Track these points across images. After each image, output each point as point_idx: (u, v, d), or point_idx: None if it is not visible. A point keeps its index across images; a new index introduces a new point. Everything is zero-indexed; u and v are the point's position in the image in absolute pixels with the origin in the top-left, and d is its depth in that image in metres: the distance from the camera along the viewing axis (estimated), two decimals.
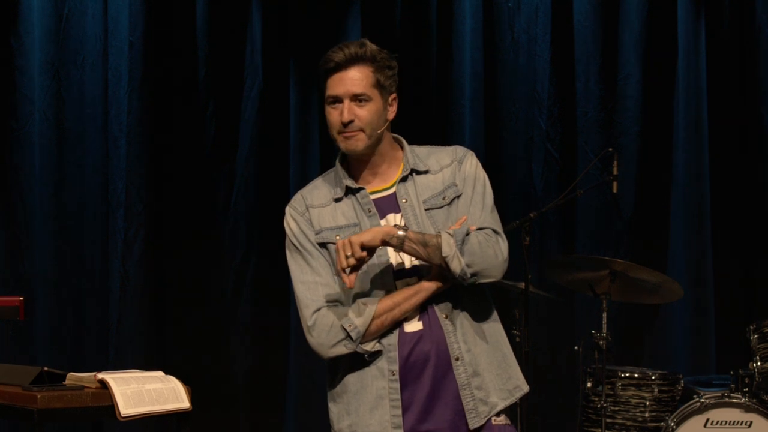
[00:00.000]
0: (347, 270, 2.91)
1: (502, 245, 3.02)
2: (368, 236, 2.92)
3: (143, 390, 3.10)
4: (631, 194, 5.92)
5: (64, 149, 5.35)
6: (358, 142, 3.01)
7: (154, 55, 5.44)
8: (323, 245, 3.04)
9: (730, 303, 5.95)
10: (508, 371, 3.06)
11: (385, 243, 2.93)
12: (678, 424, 4.86)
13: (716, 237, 5.97)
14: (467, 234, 2.96)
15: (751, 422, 4.83)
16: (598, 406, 4.93)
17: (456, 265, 2.92)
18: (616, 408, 5.00)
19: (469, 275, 2.94)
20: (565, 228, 5.90)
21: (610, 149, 5.10)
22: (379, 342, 2.98)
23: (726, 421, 4.85)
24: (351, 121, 2.99)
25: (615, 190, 5.14)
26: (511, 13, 5.90)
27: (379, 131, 3.03)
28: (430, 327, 2.99)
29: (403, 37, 5.75)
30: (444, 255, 2.92)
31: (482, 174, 3.11)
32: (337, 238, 3.02)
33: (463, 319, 3.01)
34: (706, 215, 5.97)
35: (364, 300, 2.98)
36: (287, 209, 3.12)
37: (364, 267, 2.98)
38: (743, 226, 6.01)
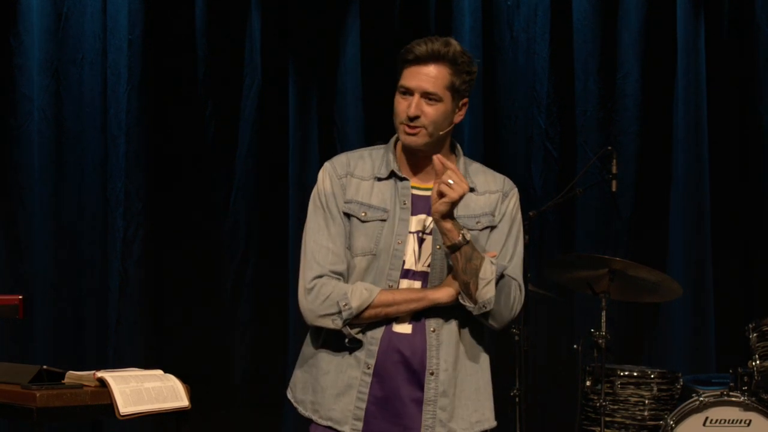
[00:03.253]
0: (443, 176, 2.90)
1: (521, 302, 3.03)
2: (445, 225, 2.90)
3: (142, 388, 3.11)
4: (630, 193, 5.92)
5: (64, 148, 5.35)
6: (419, 139, 2.99)
7: (153, 54, 5.44)
8: (347, 215, 3.01)
9: (729, 302, 5.95)
10: (477, 403, 3.05)
11: (446, 229, 2.91)
12: (677, 422, 4.86)
13: (715, 236, 5.97)
14: (503, 274, 2.97)
15: (750, 421, 4.83)
16: (597, 404, 4.93)
17: (486, 291, 2.92)
18: (615, 407, 5.00)
19: (486, 308, 2.94)
20: (564, 227, 5.90)
21: (609, 148, 5.10)
22: (363, 333, 2.98)
23: (725, 420, 4.85)
24: (417, 117, 2.96)
25: (614, 189, 5.14)
26: (510, 12, 5.90)
27: (442, 132, 3.00)
28: (417, 335, 2.99)
29: (402, 36, 5.73)
30: (481, 277, 2.91)
31: (520, 217, 3.11)
32: (363, 215, 3.00)
33: (450, 338, 3.00)
34: (705, 214, 5.97)
35: (367, 285, 2.97)
36: (327, 164, 3.08)
37: (377, 252, 2.98)
38: (743, 225, 6.01)
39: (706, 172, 5.99)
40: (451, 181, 2.88)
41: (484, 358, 3.08)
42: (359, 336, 2.97)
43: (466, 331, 3.03)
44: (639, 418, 4.99)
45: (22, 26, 5.30)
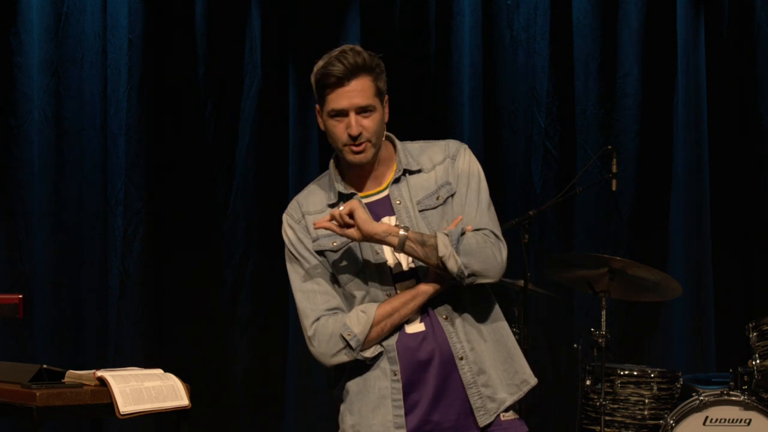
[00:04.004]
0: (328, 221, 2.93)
1: (501, 247, 3.00)
2: (380, 229, 2.92)
3: (142, 388, 3.11)
4: (630, 192, 5.92)
5: (63, 147, 5.35)
6: (367, 154, 2.99)
7: (153, 53, 5.44)
8: (320, 252, 3.04)
9: (729, 301, 5.95)
10: (514, 366, 3.06)
11: (383, 234, 2.92)
12: (677, 421, 4.87)
13: (715, 235, 5.97)
14: (462, 234, 2.94)
15: (750, 420, 4.83)
16: (597, 404, 4.93)
17: (453, 265, 2.91)
18: (615, 406, 5.00)
19: (466, 275, 2.93)
20: (564, 226, 5.90)
21: (609, 147, 5.10)
22: (379, 344, 2.98)
23: (725, 419, 4.85)
24: (360, 134, 2.97)
25: (614, 188, 5.15)
26: (510, 12, 5.90)
27: (383, 138, 3.03)
28: (432, 328, 2.99)
29: (402, 36, 5.75)
30: (440, 255, 2.90)
31: (476, 168, 3.07)
32: (334, 244, 3.02)
33: (464, 318, 3.00)
34: (705, 213, 5.97)
35: (362, 307, 2.98)
36: (284, 217, 3.11)
37: (362, 272, 3.00)
38: (742, 224, 6.01)
39: (706, 171, 6.00)
40: (341, 207, 2.92)
41: (503, 323, 3.08)
42: (377, 352, 2.98)
43: (475, 305, 3.03)
44: (639, 417, 4.99)
45: (22, 25, 5.30)
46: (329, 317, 2.99)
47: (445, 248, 2.91)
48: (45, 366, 3.11)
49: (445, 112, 5.83)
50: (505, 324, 3.09)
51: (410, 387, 2.97)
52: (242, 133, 5.61)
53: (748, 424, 4.84)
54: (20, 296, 3.46)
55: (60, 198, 5.35)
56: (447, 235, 2.93)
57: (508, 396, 3.03)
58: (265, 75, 5.63)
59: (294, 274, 3.07)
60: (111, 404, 3.04)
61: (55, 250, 5.32)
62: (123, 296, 5.34)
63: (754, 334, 4.94)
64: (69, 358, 5.19)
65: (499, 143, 5.87)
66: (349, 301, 3.02)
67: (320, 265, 3.04)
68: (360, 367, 3.01)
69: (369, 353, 2.97)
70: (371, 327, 2.95)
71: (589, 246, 5.82)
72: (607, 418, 4.95)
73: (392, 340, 2.98)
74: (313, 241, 3.05)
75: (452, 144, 3.11)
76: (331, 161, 3.13)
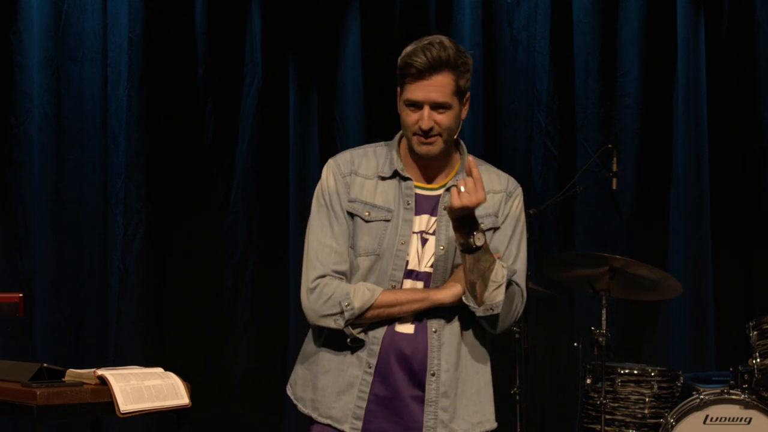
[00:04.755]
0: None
1: (521, 310, 3.03)
2: (461, 224, 2.87)
3: (143, 386, 3.11)
4: (630, 191, 5.92)
5: (63, 146, 5.35)
6: (435, 147, 2.96)
7: (153, 52, 5.43)
8: (351, 215, 3.00)
9: (730, 299, 5.95)
10: (479, 404, 3.05)
11: (454, 229, 2.89)
12: (677, 420, 4.86)
13: (716, 234, 5.97)
14: (510, 281, 2.97)
15: (751, 419, 4.83)
16: (598, 402, 4.93)
17: (496, 295, 2.91)
18: (616, 404, 5.00)
19: (490, 308, 2.93)
20: (564, 225, 5.90)
21: (610, 146, 5.10)
22: (365, 332, 2.97)
23: (725, 418, 4.85)
24: (431, 128, 2.94)
25: (614, 187, 5.14)
26: (511, 10, 5.90)
27: (455, 135, 3.00)
28: (419, 336, 2.99)
29: (402, 34, 5.74)
30: (492, 279, 2.90)
31: (524, 218, 3.09)
32: (367, 214, 2.98)
33: (452, 339, 3.00)
34: (705, 212, 5.97)
35: (369, 285, 2.96)
36: (331, 161, 3.07)
37: (380, 253, 2.97)
38: (742, 223, 6.01)
39: (706, 170, 6.00)
40: (462, 188, 2.84)
41: (486, 360, 3.08)
42: (361, 336, 2.97)
43: (468, 332, 3.03)
44: (639, 416, 4.99)
45: (22, 24, 5.29)
46: (334, 279, 2.96)
47: (501, 277, 2.91)
48: (45, 365, 3.11)
49: None
50: (488, 361, 3.09)
51: (380, 383, 2.97)
52: (242, 133, 5.61)
53: (749, 422, 4.84)
54: (20, 295, 3.46)
55: (60, 197, 5.35)
56: (505, 267, 2.93)
57: (461, 431, 3.02)
58: (265, 75, 5.63)
59: (317, 221, 3.02)
60: (111, 403, 3.04)
61: (55, 250, 5.32)
62: (123, 295, 5.34)
63: (755, 332, 4.94)
64: (69, 356, 5.19)
65: (499, 142, 5.87)
66: (353, 271, 3.00)
67: (345, 225, 3.00)
68: (339, 343, 2.99)
69: (356, 331, 2.96)
70: (370, 307, 2.93)
71: (589, 245, 5.82)
72: (608, 416, 4.95)
73: (380, 333, 2.97)
74: (350, 201, 3.01)
75: (512, 182, 3.12)
76: (397, 136, 3.08)
